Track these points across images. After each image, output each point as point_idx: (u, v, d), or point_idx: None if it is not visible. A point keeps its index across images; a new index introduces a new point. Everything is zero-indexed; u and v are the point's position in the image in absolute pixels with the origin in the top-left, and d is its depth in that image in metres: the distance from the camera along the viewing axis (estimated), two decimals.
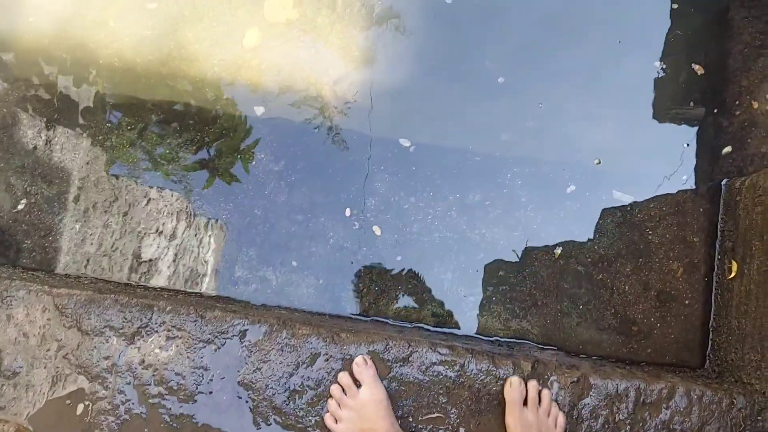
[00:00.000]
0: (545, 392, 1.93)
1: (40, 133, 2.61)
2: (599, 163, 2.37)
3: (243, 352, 1.94)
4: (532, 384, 1.94)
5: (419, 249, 2.40)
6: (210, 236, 2.42)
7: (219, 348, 1.95)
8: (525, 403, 1.91)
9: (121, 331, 1.95)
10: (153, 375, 1.92)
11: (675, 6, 2.45)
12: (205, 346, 1.95)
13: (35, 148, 2.58)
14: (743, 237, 2.16)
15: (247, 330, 1.96)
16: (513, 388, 1.91)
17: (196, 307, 1.98)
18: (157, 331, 1.95)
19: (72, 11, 2.61)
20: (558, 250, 2.36)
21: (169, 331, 1.95)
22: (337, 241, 2.39)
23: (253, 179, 2.43)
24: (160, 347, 1.94)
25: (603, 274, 2.38)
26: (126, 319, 1.95)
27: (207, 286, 2.38)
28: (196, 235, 2.42)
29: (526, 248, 2.39)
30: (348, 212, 2.39)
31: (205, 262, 2.40)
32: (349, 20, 2.61)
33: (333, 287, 2.37)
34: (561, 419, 1.91)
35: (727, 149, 2.37)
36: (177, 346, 1.94)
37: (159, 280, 2.38)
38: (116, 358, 1.93)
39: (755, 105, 2.37)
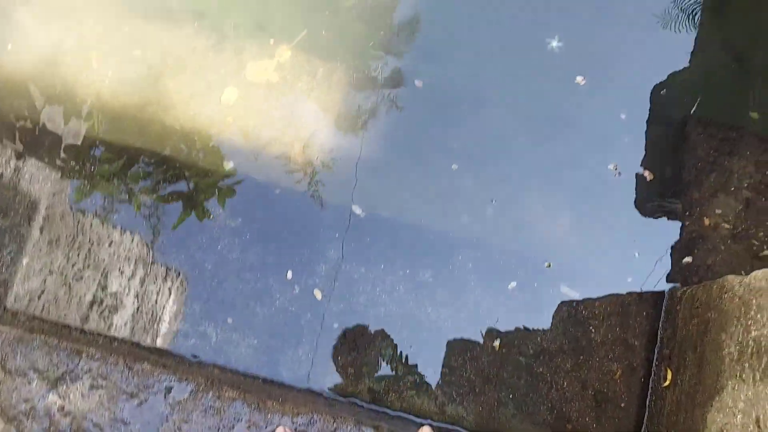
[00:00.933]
0: None
1: (8, 162, 2.63)
2: (549, 266, 2.42)
3: (166, 409, 1.91)
4: None
5: (364, 321, 2.40)
6: (158, 288, 2.41)
7: (142, 403, 1.91)
8: None
9: (45, 374, 1.92)
10: (71, 424, 1.88)
11: (623, 116, 2.56)
12: (128, 399, 1.92)
13: (1, 176, 2.60)
14: (679, 346, 2.19)
15: (173, 387, 1.93)
16: None
17: (125, 357, 1.96)
18: (81, 378, 1.92)
19: (56, 48, 2.67)
20: (497, 342, 2.37)
21: (94, 379, 1.92)
22: (282, 303, 2.40)
23: (208, 233, 2.45)
24: (82, 395, 1.91)
25: (543, 368, 2.38)
26: (52, 362, 1.93)
27: (146, 336, 2.36)
28: (142, 285, 2.42)
29: (470, 332, 2.40)
30: (290, 275, 2.40)
31: (148, 313, 2.38)
32: (327, 89, 2.69)
33: (272, 351, 2.36)
34: None
35: (688, 259, 2.42)
36: (99, 396, 1.91)
37: (100, 324, 2.35)
38: (36, 402, 1.89)
39: (706, 221, 2.45)
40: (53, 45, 2.66)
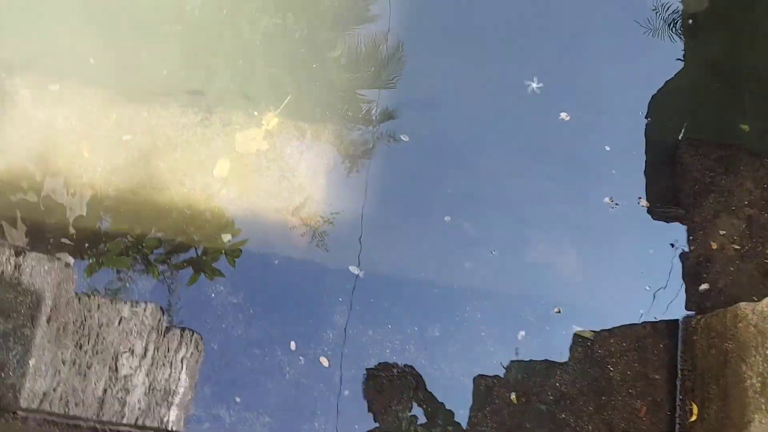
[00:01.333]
0: None
1: (8, 260, 2.63)
2: (559, 311, 2.38)
3: None
4: None
5: (377, 385, 2.36)
6: (168, 374, 2.38)
7: None
8: None
9: None
10: None
11: (609, 148, 2.54)
12: None
13: (2, 274, 2.59)
14: (701, 379, 2.13)
15: None
16: None
17: None
18: None
19: (46, 142, 2.70)
20: (513, 395, 2.32)
21: None
22: (292, 376, 2.36)
23: (211, 312, 2.43)
24: None
25: (566, 413, 2.32)
26: None
27: (158, 425, 2.32)
28: (149, 373, 2.39)
29: (486, 385, 2.35)
30: (293, 346, 2.37)
31: (161, 401, 2.35)
32: (317, 151, 2.69)
33: (287, 427, 2.31)
34: None
35: (704, 286, 2.38)
36: None
37: (112, 414, 2.32)
38: None
39: (712, 244, 2.41)
40: (43, 140, 2.69)
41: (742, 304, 1.95)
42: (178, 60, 2.77)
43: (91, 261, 2.55)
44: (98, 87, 2.76)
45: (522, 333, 2.39)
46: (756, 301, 1.91)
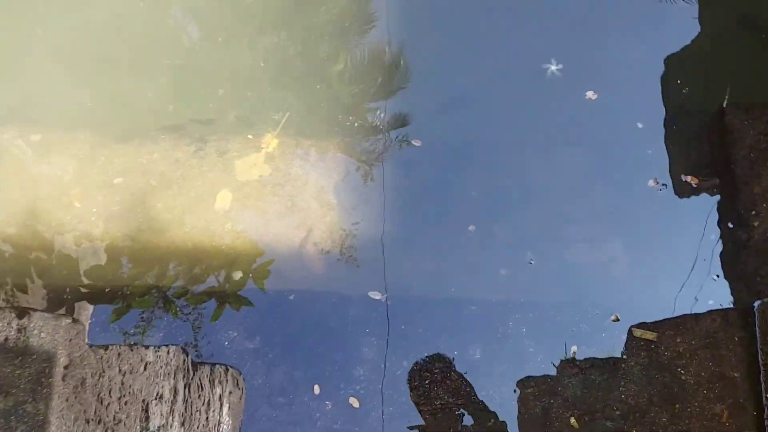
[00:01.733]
0: None
1: (10, 324, 2.44)
2: (617, 320, 2.12)
3: None
4: None
5: (419, 422, 2.11)
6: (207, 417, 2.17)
7: None
8: None
9: None
10: None
11: (640, 125, 2.28)
12: None
13: (6, 340, 2.41)
14: None
15: None
16: None
17: None
18: None
19: (32, 198, 2.52)
20: (572, 419, 2.05)
21: None
22: (324, 422, 2.12)
23: (227, 362, 2.21)
24: None
25: (637, 428, 2.05)
26: None
27: None
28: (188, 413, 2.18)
29: (543, 407, 2.09)
30: (317, 390, 2.14)
31: None
32: (324, 168, 2.48)
33: None
34: None
35: None
36: None
37: None
38: None
39: None
40: (28, 196, 2.51)
41: None
42: (170, 92, 2.59)
43: (116, 306, 2.35)
44: (82, 131, 2.58)
45: (575, 345, 2.12)
46: None
